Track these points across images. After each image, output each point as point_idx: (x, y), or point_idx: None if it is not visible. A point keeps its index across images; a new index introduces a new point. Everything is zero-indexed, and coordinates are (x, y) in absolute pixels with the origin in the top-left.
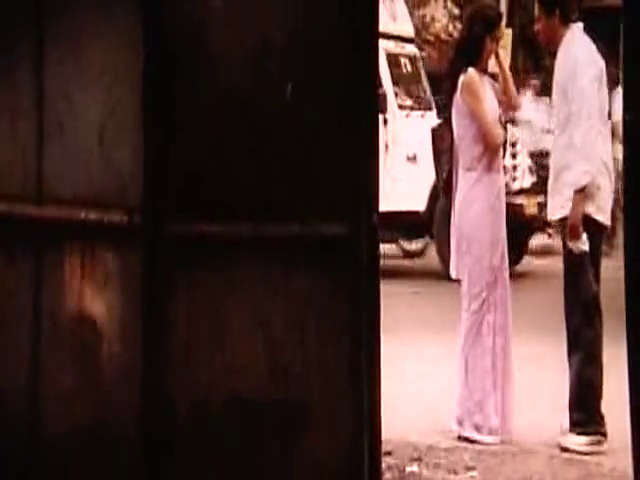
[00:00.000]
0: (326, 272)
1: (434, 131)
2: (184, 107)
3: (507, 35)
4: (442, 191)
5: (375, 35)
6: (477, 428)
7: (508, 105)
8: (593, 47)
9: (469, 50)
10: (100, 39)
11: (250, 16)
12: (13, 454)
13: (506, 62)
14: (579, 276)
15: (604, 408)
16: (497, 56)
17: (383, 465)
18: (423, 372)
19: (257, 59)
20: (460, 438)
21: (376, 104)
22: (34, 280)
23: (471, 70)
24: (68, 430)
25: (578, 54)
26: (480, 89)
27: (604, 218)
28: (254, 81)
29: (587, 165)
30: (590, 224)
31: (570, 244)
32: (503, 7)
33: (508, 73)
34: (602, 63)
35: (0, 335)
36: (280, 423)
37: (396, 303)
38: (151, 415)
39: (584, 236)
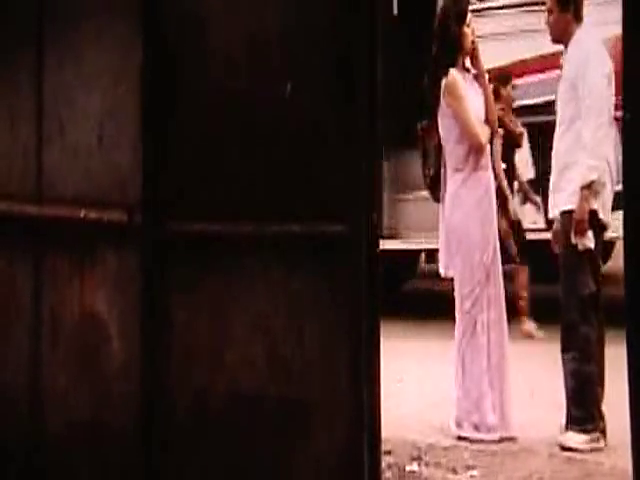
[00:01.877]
0: (326, 272)
1: (422, 129)
2: (183, 107)
3: None
4: (428, 189)
5: (375, 34)
6: (475, 427)
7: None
8: (603, 46)
9: (448, 50)
10: (99, 39)
11: (250, 16)
12: (14, 452)
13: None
14: (576, 273)
15: (604, 406)
16: (482, 77)
17: (383, 464)
18: (423, 371)
19: (257, 59)
20: (459, 438)
21: (376, 104)
22: (34, 280)
23: (453, 71)
24: (69, 429)
25: (591, 51)
26: (462, 90)
27: (606, 217)
28: (254, 80)
29: (595, 161)
30: (594, 221)
31: (576, 240)
32: None
33: (491, 97)
34: (610, 63)
35: (0, 334)
36: (280, 422)
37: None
38: (151, 414)
39: (590, 233)
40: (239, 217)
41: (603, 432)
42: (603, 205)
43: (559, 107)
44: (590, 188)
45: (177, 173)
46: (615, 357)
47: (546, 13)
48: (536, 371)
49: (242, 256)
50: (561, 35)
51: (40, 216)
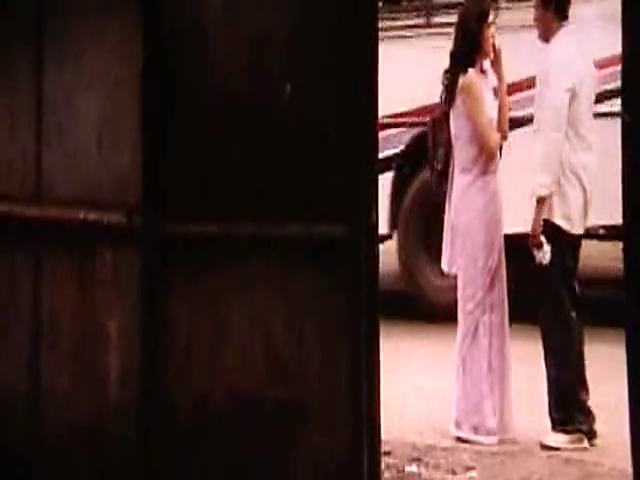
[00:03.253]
0: (326, 272)
1: (434, 120)
2: (183, 107)
3: None
4: (435, 183)
5: (375, 34)
6: (475, 429)
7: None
8: (576, 52)
9: (468, 50)
10: (99, 40)
11: (249, 17)
12: (13, 454)
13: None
14: (548, 279)
15: (602, 407)
16: (501, 82)
17: (382, 465)
18: (423, 372)
19: (256, 60)
20: (459, 439)
21: (376, 103)
22: (34, 280)
23: (471, 71)
24: (68, 430)
25: (556, 60)
26: (479, 92)
27: (570, 226)
28: (253, 82)
29: (545, 177)
30: (557, 233)
31: (534, 252)
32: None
33: (507, 104)
34: (585, 68)
35: (0, 335)
36: (280, 423)
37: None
38: (151, 415)
39: (546, 247)
40: (239, 218)
41: (591, 430)
42: (567, 215)
43: (535, 108)
44: (541, 203)
45: (177, 174)
46: (615, 358)
47: (534, 9)
48: (536, 372)
49: (242, 257)
50: (544, 32)
51: (40, 217)
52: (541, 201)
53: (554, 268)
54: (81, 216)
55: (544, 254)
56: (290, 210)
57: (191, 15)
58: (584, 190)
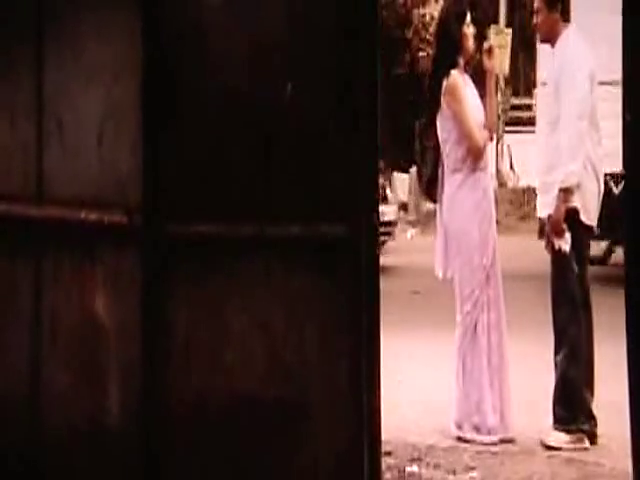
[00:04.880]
0: (326, 272)
1: (420, 128)
2: (184, 107)
3: (507, 35)
4: (424, 189)
5: (376, 34)
6: (476, 429)
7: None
8: (586, 47)
9: (449, 51)
10: (100, 39)
11: (249, 16)
12: (13, 453)
13: (495, 85)
14: (564, 275)
15: (602, 407)
16: (490, 79)
17: (383, 465)
18: (423, 371)
19: (256, 59)
20: (459, 439)
21: (376, 104)
22: (34, 280)
23: (454, 73)
24: (68, 430)
25: (574, 53)
26: (463, 93)
27: (588, 219)
28: (254, 81)
29: (575, 165)
30: (576, 223)
31: (554, 241)
32: (503, 7)
33: (495, 100)
34: (593, 65)
35: (0, 335)
36: (280, 423)
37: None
38: (151, 415)
39: (567, 235)
40: (239, 218)
41: (593, 433)
42: (586, 207)
43: (548, 107)
44: (569, 192)
45: (177, 174)
46: (616, 358)
47: (535, 13)
48: (536, 372)
49: (242, 257)
50: (548, 35)
51: (40, 217)
52: (569, 190)
53: (570, 257)
54: (82, 216)
55: (565, 241)
56: (290, 210)
57: (191, 15)
58: (599, 182)
